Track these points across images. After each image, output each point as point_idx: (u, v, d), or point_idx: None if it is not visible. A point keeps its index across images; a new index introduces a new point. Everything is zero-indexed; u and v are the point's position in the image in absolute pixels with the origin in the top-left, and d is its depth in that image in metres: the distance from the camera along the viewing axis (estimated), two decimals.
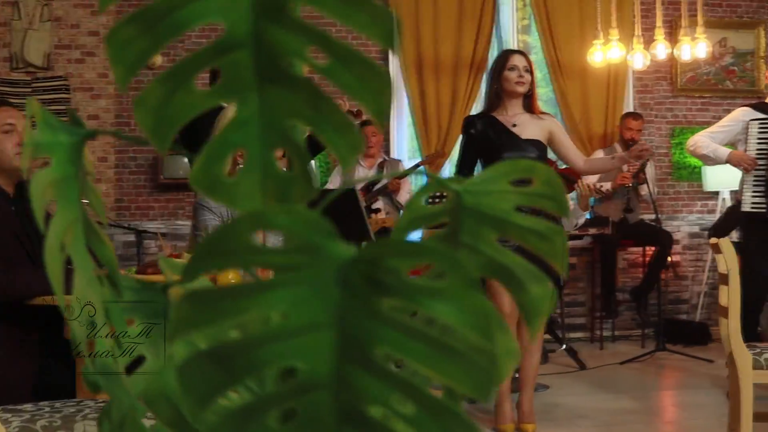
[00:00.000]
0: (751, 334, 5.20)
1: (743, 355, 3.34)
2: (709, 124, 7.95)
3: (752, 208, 5.04)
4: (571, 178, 5.96)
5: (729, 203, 7.68)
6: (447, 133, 7.30)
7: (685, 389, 5.44)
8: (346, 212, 4.20)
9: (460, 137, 4.54)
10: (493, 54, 7.28)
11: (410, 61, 7.37)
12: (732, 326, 3.36)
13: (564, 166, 7.37)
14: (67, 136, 0.65)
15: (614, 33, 6.37)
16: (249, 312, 0.54)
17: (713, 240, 3.58)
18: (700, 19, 6.33)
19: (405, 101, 7.45)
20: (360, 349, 0.53)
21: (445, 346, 0.53)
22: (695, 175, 7.89)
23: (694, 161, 7.90)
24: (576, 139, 7.21)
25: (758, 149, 5.11)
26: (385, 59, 7.37)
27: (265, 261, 0.53)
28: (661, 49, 6.37)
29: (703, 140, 5.37)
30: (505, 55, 4.48)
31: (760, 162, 5.07)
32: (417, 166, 6.87)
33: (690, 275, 7.42)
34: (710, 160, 5.41)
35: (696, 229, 7.77)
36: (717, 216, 7.75)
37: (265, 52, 0.59)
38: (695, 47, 6.28)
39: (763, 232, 5.07)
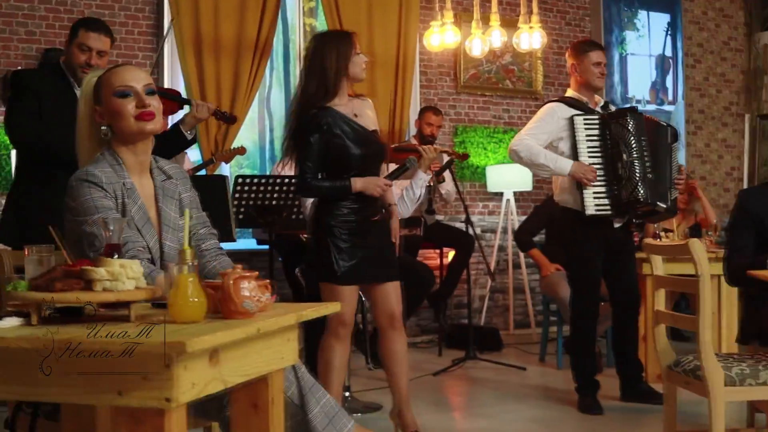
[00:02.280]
0: (591, 345, 4.96)
1: (715, 371, 2.99)
2: (489, 123, 7.83)
3: (597, 211, 4.75)
4: (409, 148, 5.58)
5: (513, 204, 7.56)
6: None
7: (528, 404, 5.12)
8: (214, 198, 4.45)
9: (310, 136, 3.72)
10: (279, 37, 6.64)
11: (188, 38, 6.52)
12: (706, 338, 2.99)
13: (406, 140, 6.94)
14: None
15: (449, 15, 5.97)
16: None
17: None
18: (535, 8, 6.08)
19: (181, 82, 6.58)
20: None
21: None
22: (478, 175, 7.70)
23: (479, 161, 7.71)
24: None
25: (589, 147, 4.87)
26: (159, 34, 6.48)
27: None
28: (497, 36, 6.05)
29: (533, 146, 4.72)
30: (351, 36, 3.93)
31: (595, 161, 4.83)
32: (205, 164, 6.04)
33: (473, 278, 7.12)
34: (545, 170, 4.80)
35: (478, 230, 7.55)
36: (500, 218, 7.60)
37: None
38: (532, 36, 6.03)
39: (602, 235, 4.83)
